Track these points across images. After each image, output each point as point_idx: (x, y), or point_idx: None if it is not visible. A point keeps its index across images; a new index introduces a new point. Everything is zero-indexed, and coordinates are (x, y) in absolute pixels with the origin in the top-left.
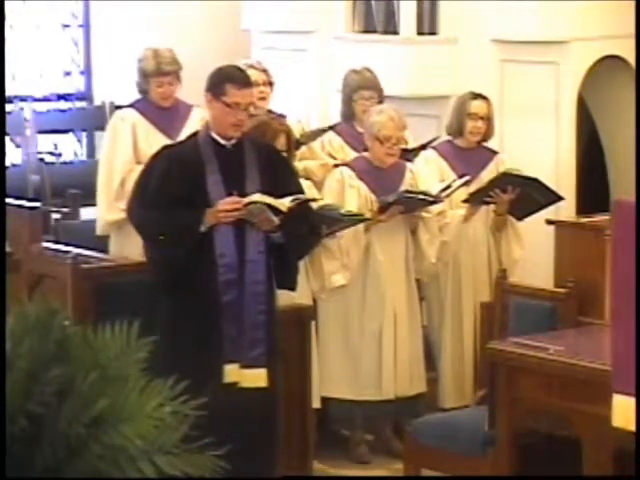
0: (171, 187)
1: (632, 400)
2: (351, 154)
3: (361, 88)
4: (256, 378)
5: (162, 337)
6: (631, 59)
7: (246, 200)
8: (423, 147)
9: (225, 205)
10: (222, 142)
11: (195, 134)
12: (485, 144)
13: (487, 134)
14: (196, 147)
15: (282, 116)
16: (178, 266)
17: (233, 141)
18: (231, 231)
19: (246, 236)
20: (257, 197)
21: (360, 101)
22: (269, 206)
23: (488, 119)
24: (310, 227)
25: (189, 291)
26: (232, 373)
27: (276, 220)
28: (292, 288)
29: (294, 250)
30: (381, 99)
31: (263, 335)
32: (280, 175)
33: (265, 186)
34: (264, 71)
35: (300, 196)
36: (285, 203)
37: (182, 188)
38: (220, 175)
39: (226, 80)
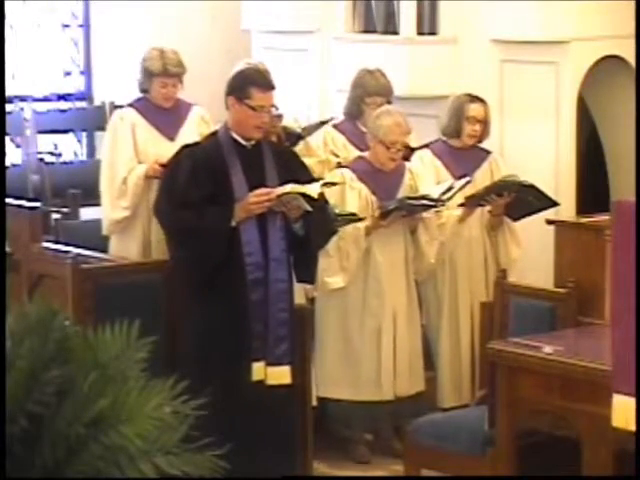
0: (199, 185)
1: (632, 400)
2: (354, 152)
3: (377, 94)
4: (281, 375)
5: (192, 337)
6: (631, 59)
7: (279, 192)
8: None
9: (257, 197)
10: (243, 142)
11: (214, 134)
12: (480, 144)
13: (483, 136)
14: (218, 147)
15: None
16: (210, 264)
17: (252, 141)
18: (255, 230)
19: (269, 235)
20: (290, 188)
21: (373, 105)
22: (302, 195)
23: (485, 122)
24: (328, 214)
25: (218, 290)
26: (259, 371)
27: (309, 207)
28: (311, 282)
29: (315, 239)
30: (390, 102)
31: (286, 332)
32: (296, 172)
33: (283, 184)
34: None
35: (326, 180)
36: (316, 189)
37: (209, 187)
38: (243, 174)
39: (250, 84)
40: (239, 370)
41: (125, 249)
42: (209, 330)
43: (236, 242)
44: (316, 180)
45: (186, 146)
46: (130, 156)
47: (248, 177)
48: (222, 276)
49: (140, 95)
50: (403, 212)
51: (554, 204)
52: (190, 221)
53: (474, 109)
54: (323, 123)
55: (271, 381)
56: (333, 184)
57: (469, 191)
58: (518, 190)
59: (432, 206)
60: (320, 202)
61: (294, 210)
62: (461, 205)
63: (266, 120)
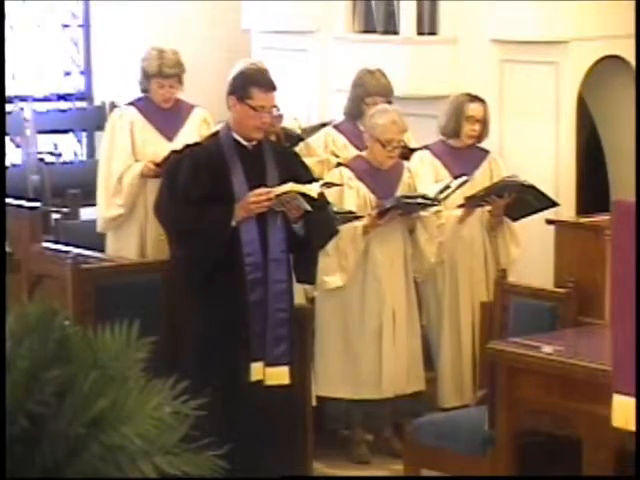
0: (200, 185)
1: (632, 400)
2: (354, 152)
3: (378, 95)
4: (279, 376)
5: (191, 336)
6: (631, 59)
7: (278, 191)
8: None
9: (256, 197)
10: (244, 143)
11: (215, 134)
12: (479, 144)
13: (482, 135)
14: (219, 147)
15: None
16: (210, 263)
17: (254, 142)
18: (255, 230)
19: (269, 235)
20: (289, 187)
21: (373, 105)
22: (301, 194)
23: (484, 122)
24: (329, 214)
25: (217, 290)
26: (258, 371)
27: (308, 207)
28: (311, 282)
29: (316, 239)
30: (390, 102)
31: (285, 333)
32: (297, 173)
33: (284, 184)
34: None
35: (326, 181)
36: (315, 189)
37: (210, 187)
38: (243, 175)
39: (252, 84)
40: (238, 370)
41: (122, 248)
42: (208, 330)
43: (236, 242)
44: (316, 180)
45: (188, 146)
46: (127, 154)
47: (249, 177)
48: (222, 276)
49: (142, 94)
50: (400, 210)
51: (554, 204)
52: (190, 221)
53: (473, 109)
54: (323, 125)
55: (270, 381)
56: (333, 184)
57: (469, 191)
58: (518, 190)
59: (429, 205)
60: (320, 202)
61: (294, 210)
62: (461, 206)
63: (266, 121)
